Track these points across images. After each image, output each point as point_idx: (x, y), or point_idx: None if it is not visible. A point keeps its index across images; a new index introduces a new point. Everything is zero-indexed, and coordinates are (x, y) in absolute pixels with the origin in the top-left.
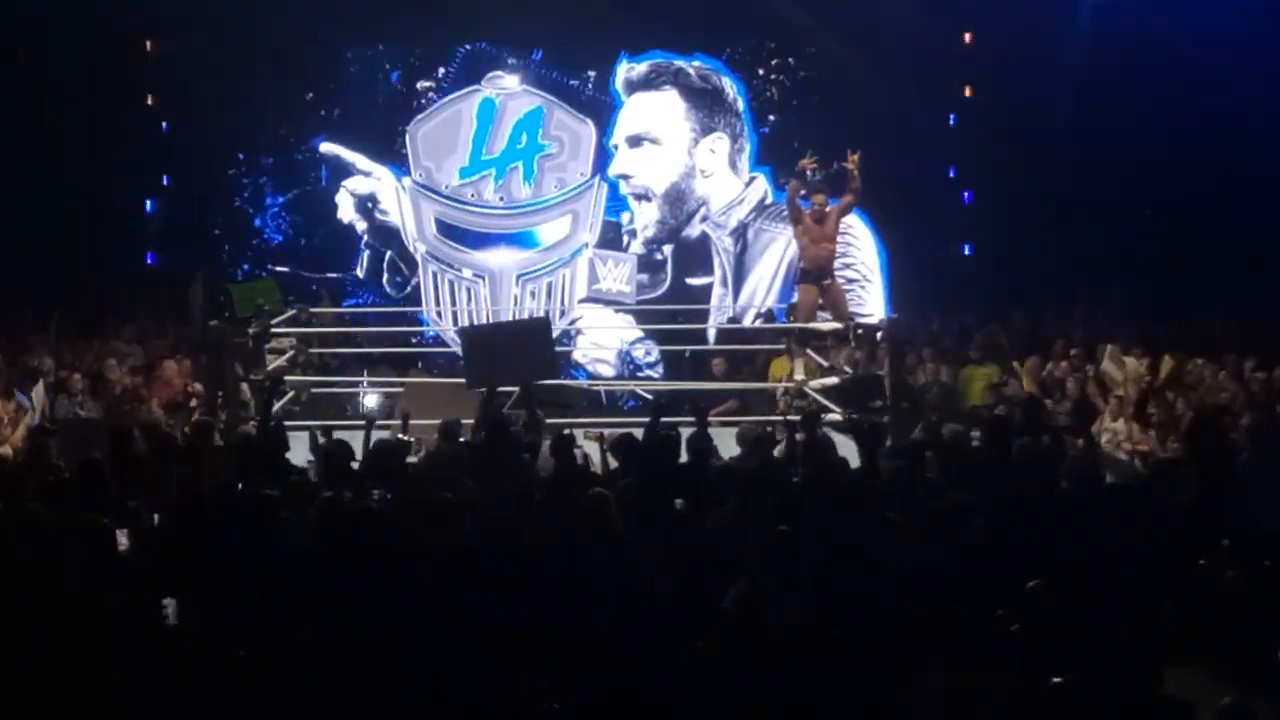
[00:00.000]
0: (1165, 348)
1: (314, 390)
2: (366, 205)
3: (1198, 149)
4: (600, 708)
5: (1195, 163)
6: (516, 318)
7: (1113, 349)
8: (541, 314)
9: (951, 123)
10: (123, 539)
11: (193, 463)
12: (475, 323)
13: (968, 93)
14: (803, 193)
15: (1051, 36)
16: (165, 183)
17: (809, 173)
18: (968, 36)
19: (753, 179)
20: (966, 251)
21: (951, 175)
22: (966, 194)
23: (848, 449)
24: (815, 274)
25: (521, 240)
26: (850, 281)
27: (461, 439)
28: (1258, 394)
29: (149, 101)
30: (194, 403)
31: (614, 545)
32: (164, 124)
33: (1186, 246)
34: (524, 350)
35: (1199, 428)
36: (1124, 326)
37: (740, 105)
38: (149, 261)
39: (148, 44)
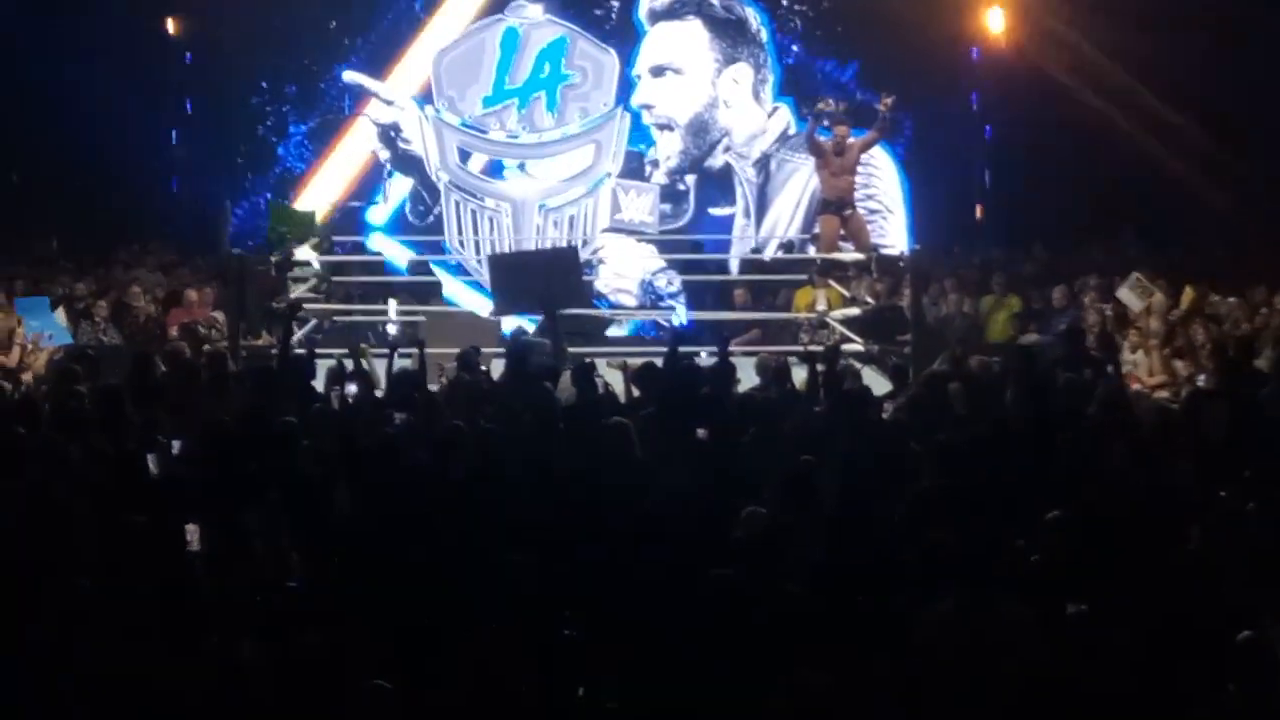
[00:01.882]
0: (1184, 279)
1: (336, 319)
2: (389, 134)
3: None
4: (619, 635)
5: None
6: (543, 247)
7: (1136, 277)
8: (569, 244)
9: (975, 55)
10: (152, 465)
11: (215, 390)
12: (503, 250)
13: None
14: (824, 123)
15: None
16: (189, 109)
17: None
18: None
19: (775, 109)
20: (988, 183)
21: (974, 107)
22: (988, 128)
23: (870, 380)
24: (836, 205)
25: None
26: (872, 213)
27: (482, 368)
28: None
29: (171, 29)
30: (214, 331)
31: (634, 473)
32: (187, 53)
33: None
34: (552, 279)
35: (1231, 359)
36: (1143, 257)
37: (764, 35)
38: (173, 188)
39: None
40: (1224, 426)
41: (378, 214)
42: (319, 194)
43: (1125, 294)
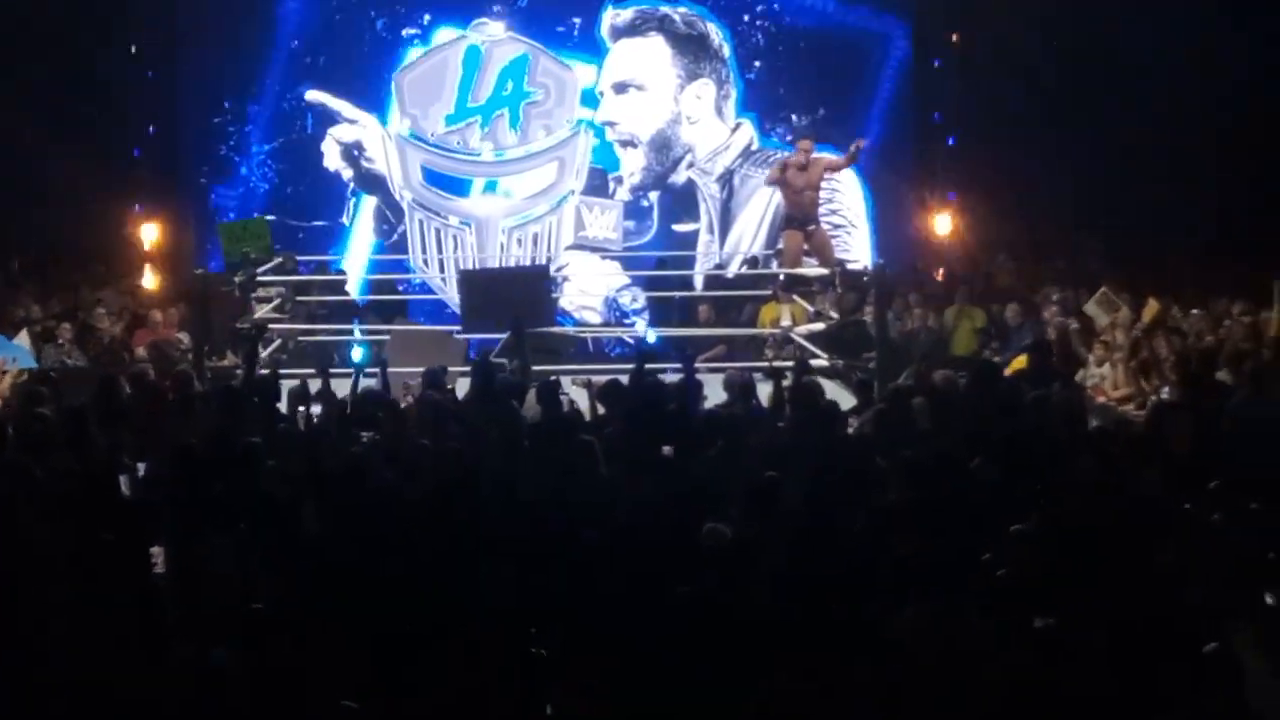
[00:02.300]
0: (1147, 292)
1: (301, 339)
2: (353, 153)
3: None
4: (586, 651)
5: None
6: (514, 264)
7: (1104, 291)
8: (538, 262)
9: (937, 65)
10: (125, 487)
11: (180, 412)
12: (475, 267)
13: (954, 39)
14: (789, 138)
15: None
16: (151, 131)
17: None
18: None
19: (738, 125)
20: (951, 196)
21: (936, 120)
22: (950, 139)
23: (835, 395)
24: (800, 220)
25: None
26: (836, 227)
27: (449, 386)
28: (1242, 338)
29: (133, 49)
30: (177, 352)
31: (599, 490)
32: (149, 72)
33: (1167, 189)
34: (521, 297)
35: (1194, 372)
36: (1106, 271)
37: (726, 51)
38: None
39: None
40: (1188, 438)
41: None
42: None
43: (1092, 308)
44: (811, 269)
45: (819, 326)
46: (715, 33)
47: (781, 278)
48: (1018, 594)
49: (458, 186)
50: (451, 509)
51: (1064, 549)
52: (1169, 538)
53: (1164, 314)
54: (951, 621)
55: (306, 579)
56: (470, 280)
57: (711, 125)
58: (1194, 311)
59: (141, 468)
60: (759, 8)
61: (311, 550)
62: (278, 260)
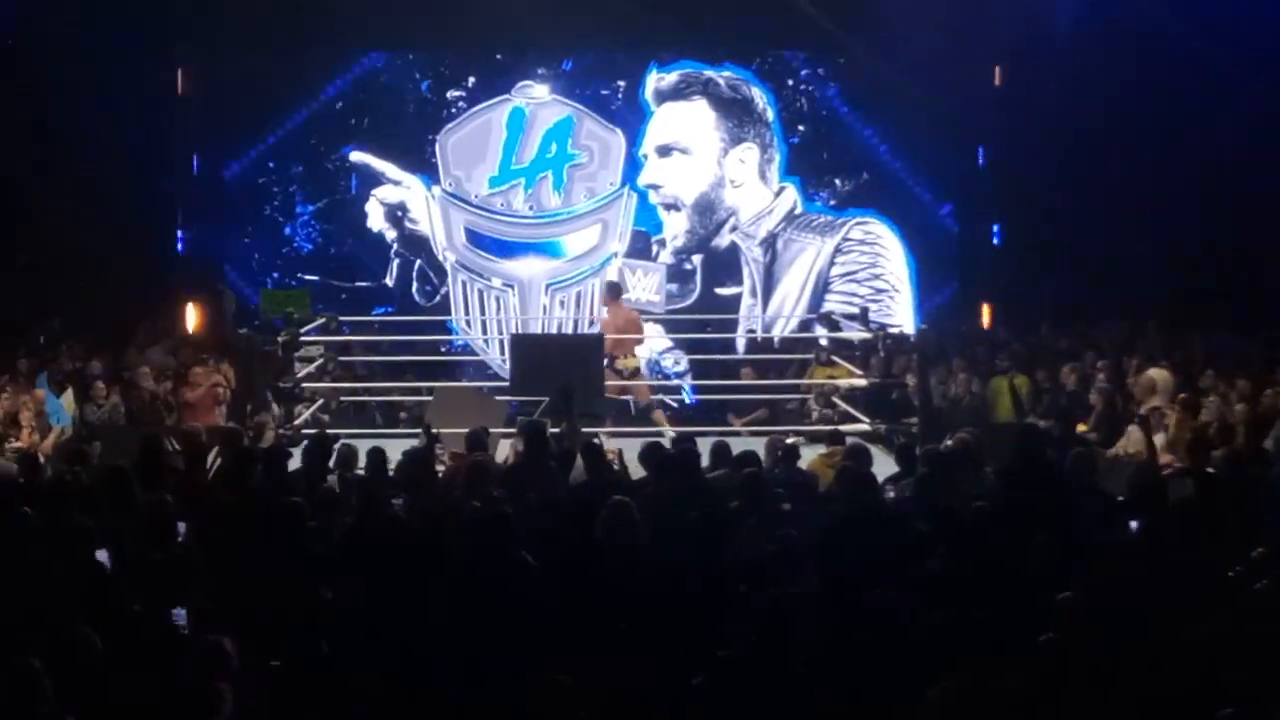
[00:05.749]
0: (1187, 361)
1: (343, 399)
2: (396, 214)
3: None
4: (622, 714)
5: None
6: (567, 331)
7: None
8: (582, 326)
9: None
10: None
11: (220, 472)
12: (529, 331)
13: (997, 80)
14: (831, 203)
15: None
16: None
17: None
18: (997, 70)
19: (782, 189)
20: (996, 260)
21: (981, 162)
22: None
23: (877, 459)
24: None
25: (551, 249)
26: (879, 292)
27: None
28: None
29: (179, 90)
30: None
31: (635, 553)
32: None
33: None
34: (574, 366)
35: (1240, 440)
36: (1147, 340)
37: (770, 115)
38: (178, 270)
39: (179, 75)
40: (1234, 506)
41: None
42: None
43: (1156, 372)
44: (855, 333)
45: (860, 382)
46: (759, 97)
47: (825, 342)
48: (1061, 661)
49: (501, 247)
50: (489, 570)
51: (1106, 616)
52: (1213, 607)
53: (1209, 382)
54: (986, 691)
55: (337, 638)
56: (521, 345)
57: (755, 189)
58: (1239, 380)
59: (182, 527)
60: (804, 73)
61: (345, 610)
62: (321, 321)
